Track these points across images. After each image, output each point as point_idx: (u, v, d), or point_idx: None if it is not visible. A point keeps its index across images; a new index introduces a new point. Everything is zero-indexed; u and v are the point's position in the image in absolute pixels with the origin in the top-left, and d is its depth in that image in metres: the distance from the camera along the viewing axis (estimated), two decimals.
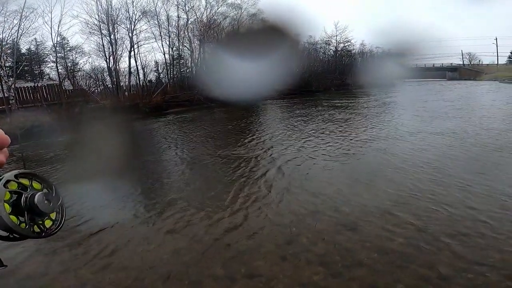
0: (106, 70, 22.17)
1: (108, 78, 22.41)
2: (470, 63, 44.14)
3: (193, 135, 11.52)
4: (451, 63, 42.62)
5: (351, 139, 8.55)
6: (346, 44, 33.83)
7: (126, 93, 21.55)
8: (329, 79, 29.41)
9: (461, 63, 43.57)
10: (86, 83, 22.56)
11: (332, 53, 33.53)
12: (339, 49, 33.50)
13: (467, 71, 41.09)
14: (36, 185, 0.50)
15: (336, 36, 33.23)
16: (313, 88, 21.50)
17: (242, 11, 27.03)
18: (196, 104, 22.20)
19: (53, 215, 0.50)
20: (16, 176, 0.47)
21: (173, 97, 22.18)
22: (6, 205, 0.43)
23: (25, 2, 18.03)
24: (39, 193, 0.47)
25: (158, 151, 9.26)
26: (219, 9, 25.76)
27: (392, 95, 20.04)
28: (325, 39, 32.97)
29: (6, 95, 19.02)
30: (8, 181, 0.45)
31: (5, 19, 19.11)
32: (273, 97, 22.41)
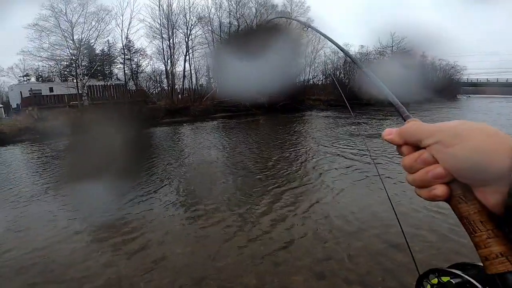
0: (164, 72, 23.95)
1: (165, 80, 24.18)
2: None
3: (237, 141, 11.71)
4: None
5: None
6: (403, 55, 31.77)
7: (180, 96, 22.98)
8: None
9: None
10: (146, 84, 24.61)
11: None
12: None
13: None
14: None
15: (392, 47, 31.52)
16: (364, 100, 20.53)
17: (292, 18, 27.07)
18: (242, 110, 22.74)
19: None
20: None
21: (221, 102, 23.02)
22: None
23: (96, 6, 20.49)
24: None
25: (201, 154, 9.57)
26: (268, 17, 26.27)
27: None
28: (379, 49, 31.50)
29: (80, 91, 21.72)
30: None
31: (85, 20, 22.00)
32: (319, 108, 21.84)
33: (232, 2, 25.74)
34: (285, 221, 4.11)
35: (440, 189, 0.35)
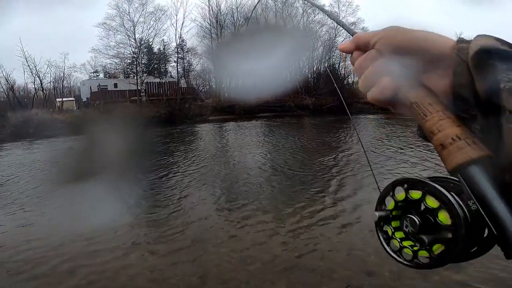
0: (212, 71, 24.92)
1: (213, 79, 25.14)
2: None
3: (279, 142, 11.63)
4: None
5: None
6: None
7: (226, 94, 23.67)
8: None
9: None
10: (196, 83, 25.88)
11: None
12: None
13: None
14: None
15: None
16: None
17: (341, 19, 26.05)
18: (287, 110, 22.57)
19: None
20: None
21: (265, 101, 23.14)
22: None
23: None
24: None
25: (243, 152, 9.71)
26: (315, 17, 25.60)
27: None
28: None
29: (139, 88, 23.74)
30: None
31: (144, 19, 23.96)
32: (369, 111, 20.66)
33: (278, 2, 25.68)
34: (323, 229, 3.92)
35: (385, 79, 0.35)
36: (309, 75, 28.72)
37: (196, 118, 20.72)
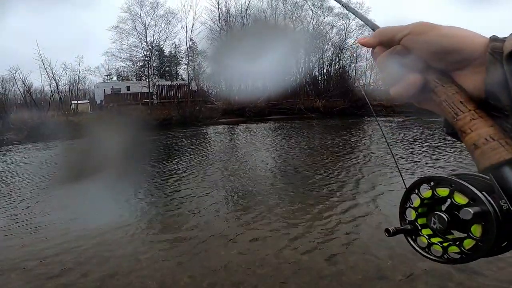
0: (220, 73, 25.10)
1: (223, 81, 25.29)
2: None
3: (289, 144, 11.57)
4: None
5: None
6: None
7: (236, 97, 23.78)
8: None
9: None
10: (206, 85, 26.10)
11: None
12: None
13: None
14: None
15: None
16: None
17: (350, 21, 25.92)
18: (297, 113, 22.47)
19: None
20: None
21: (275, 104, 23.11)
22: None
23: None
24: None
25: (254, 155, 9.71)
26: (325, 19, 25.44)
27: None
28: None
29: (150, 90, 24.15)
30: None
31: (155, 22, 24.42)
32: (382, 113, 20.34)
33: (288, 4, 25.69)
34: (334, 232, 3.87)
35: (412, 77, 0.34)
36: (319, 77, 28.57)
37: (206, 120, 20.89)
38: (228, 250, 3.53)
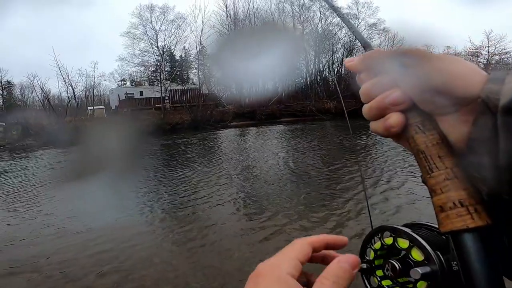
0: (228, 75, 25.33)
1: (233, 84, 25.47)
2: None
3: (301, 147, 11.50)
4: None
5: None
6: (503, 57, 26.89)
7: (247, 100, 23.89)
8: None
9: None
10: (217, 89, 26.32)
11: (482, 66, 27.27)
12: (492, 61, 27.01)
13: None
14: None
15: (489, 47, 26.91)
16: None
17: (360, 21, 25.62)
18: (308, 115, 22.34)
19: None
20: None
21: (286, 106, 23.06)
22: None
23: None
24: None
25: (265, 158, 9.70)
26: (334, 20, 25.23)
27: None
28: (471, 50, 27.31)
29: (163, 95, 24.59)
30: None
31: (166, 27, 24.90)
32: None
33: (295, 6, 25.65)
34: (348, 237, 3.81)
35: (394, 117, 0.30)
36: (330, 78, 28.33)
37: (218, 124, 21.06)
38: (240, 253, 3.53)
